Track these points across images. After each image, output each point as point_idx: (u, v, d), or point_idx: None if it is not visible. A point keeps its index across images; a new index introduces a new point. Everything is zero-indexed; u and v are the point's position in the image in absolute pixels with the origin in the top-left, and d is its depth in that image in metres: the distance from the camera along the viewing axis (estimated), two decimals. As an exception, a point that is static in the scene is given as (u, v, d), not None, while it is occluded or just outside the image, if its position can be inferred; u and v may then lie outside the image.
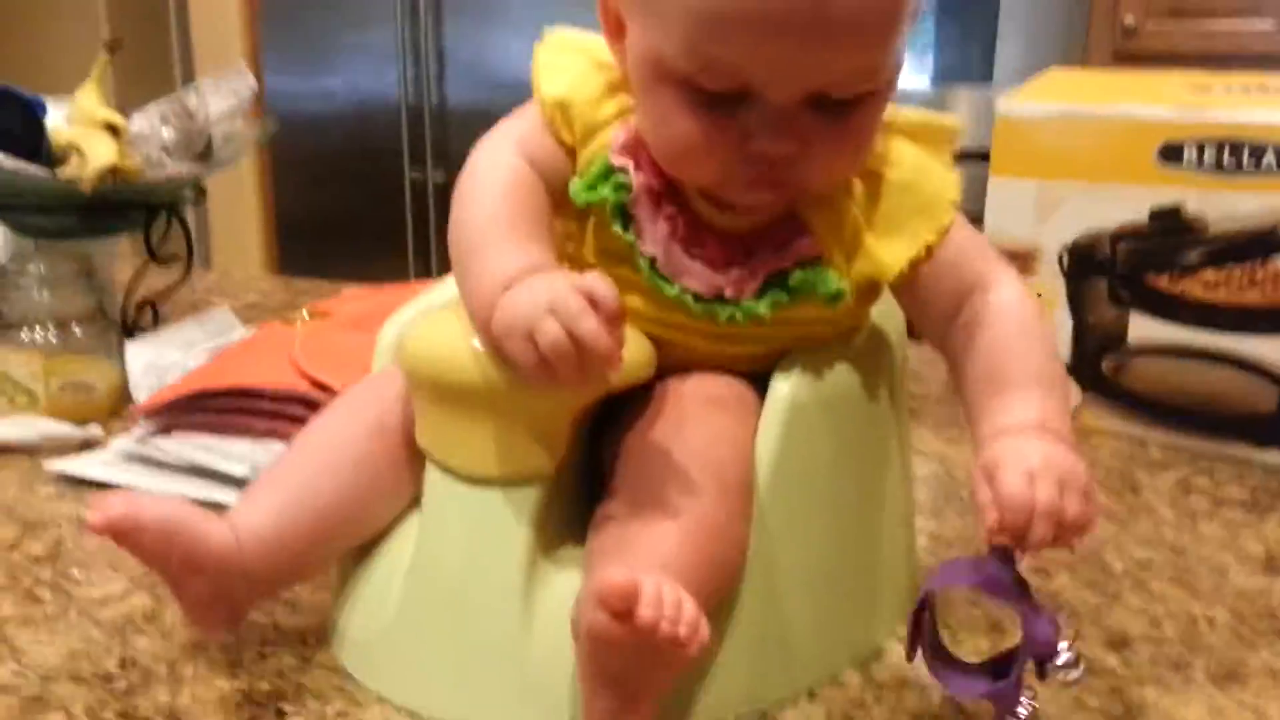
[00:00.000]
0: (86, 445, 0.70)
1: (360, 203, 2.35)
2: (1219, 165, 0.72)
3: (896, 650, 0.49)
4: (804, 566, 0.46)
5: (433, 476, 0.45)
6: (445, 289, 0.54)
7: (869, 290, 0.47)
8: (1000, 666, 0.43)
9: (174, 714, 0.42)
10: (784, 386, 0.46)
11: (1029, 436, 0.41)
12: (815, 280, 0.44)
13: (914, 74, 1.89)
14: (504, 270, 0.41)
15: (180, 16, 2.76)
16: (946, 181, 0.47)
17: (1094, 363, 0.80)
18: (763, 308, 0.44)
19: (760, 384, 0.47)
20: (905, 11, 0.40)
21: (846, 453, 0.47)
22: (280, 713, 0.43)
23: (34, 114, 0.81)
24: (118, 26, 2.94)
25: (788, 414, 0.45)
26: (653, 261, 0.44)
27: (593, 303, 0.37)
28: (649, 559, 0.38)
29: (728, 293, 0.44)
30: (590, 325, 0.37)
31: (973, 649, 0.48)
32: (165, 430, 0.68)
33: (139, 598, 0.51)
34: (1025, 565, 0.55)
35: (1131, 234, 0.77)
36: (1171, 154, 0.74)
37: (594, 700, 0.37)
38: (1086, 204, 0.78)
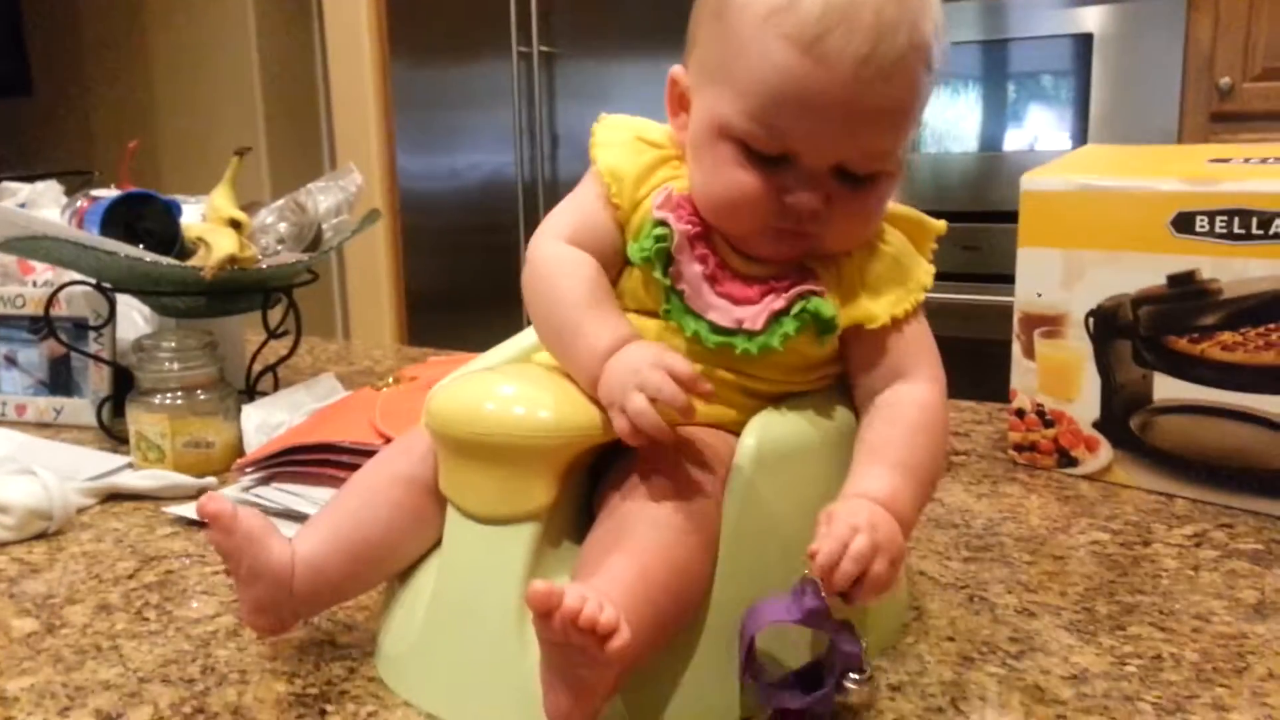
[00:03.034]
0: (202, 493, 0.81)
1: (480, 273, 2.51)
2: (1230, 233, 0.76)
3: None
4: (768, 601, 0.52)
5: (451, 516, 0.53)
6: (486, 358, 0.64)
7: (843, 342, 0.55)
8: (807, 678, 0.49)
9: (238, 711, 0.52)
10: (750, 439, 0.53)
11: (873, 504, 0.48)
12: (814, 308, 0.52)
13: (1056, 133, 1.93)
14: (599, 344, 0.51)
15: (327, 107, 3.02)
16: (923, 268, 0.57)
17: (1122, 421, 0.83)
18: (775, 340, 0.52)
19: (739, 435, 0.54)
20: (916, 110, 0.51)
21: (809, 499, 0.53)
22: (323, 712, 0.52)
23: (171, 213, 0.96)
24: (274, 119, 3.24)
25: (753, 465, 0.52)
26: (681, 295, 0.53)
27: (671, 374, 0.48)
28: (610, 584, 0.45)
29: (746, 324, 0.52)
30: (669, 392, 0.48)
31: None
32: (266, 480, 0.79)
33: (224, 619, 0.62)
34: (1010, 605, 0.60)
35: (1151, 298, 0.80)
36: (1184, 223, 0.78)
37: (549, 694, 0.44)
38: (1108, 271, 0.82)
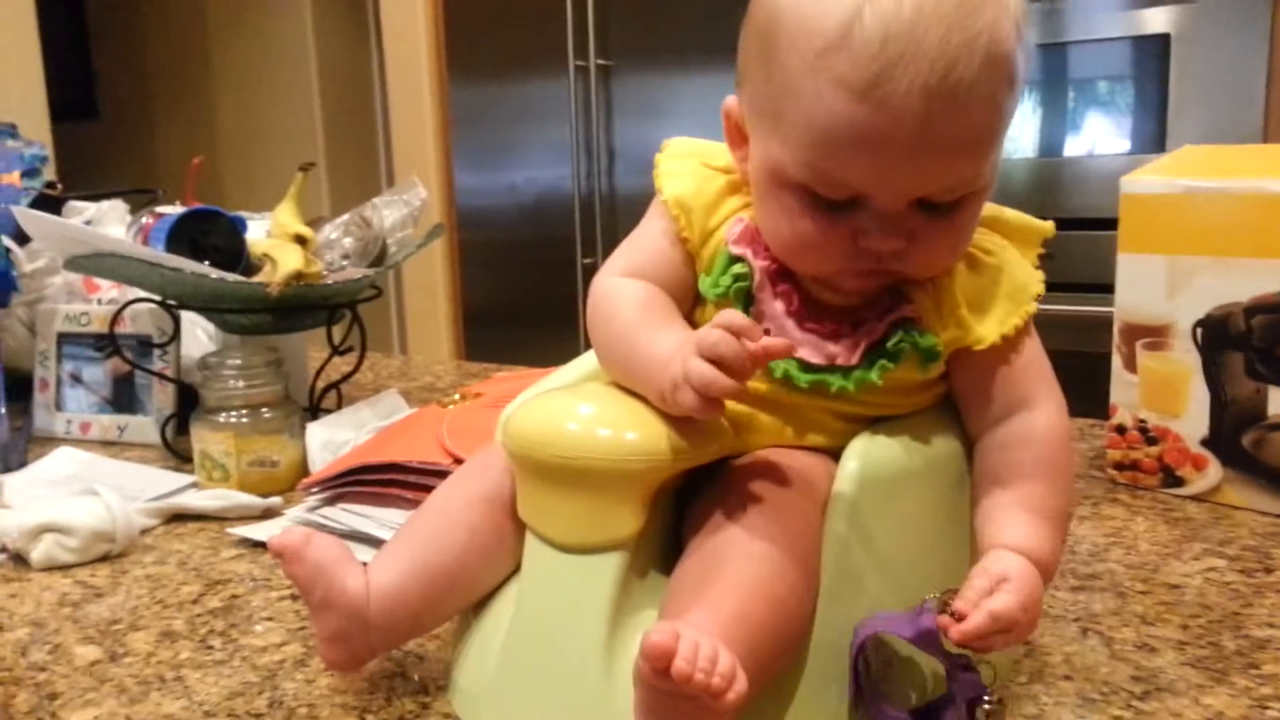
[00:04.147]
0: (267, 514, 0.80)
1: (538, 288, 2.49)
2: (1353, 235, 0.70)
3: (975, 721, 0.50)
4: (873, 635, 0.48)
5: (530, 544, 0.50)
6: (559, 375, 0.61)
7: (949, 364, 0.51)
8: (931, 712, 0.46)
9: (309, 747, 0.49)
10: (853, 464, 0.49)
11: (1028, 565, 0.45)
12: (913, 340, 0.48)
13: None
14: (661, 354, 0.47)
15: (385, 124, 3.03)
16: (1033, 276, 0.51)
17: (1234, 438, 0.77)
18: (875, 375, 0.48)
19: (837, 458, 0.50)
20: (1000, 129, 0.45)
21: (915, 526, 0.49)
22: (396, 751, 0.49)
23: (236, 230, 0.94)
24: (333, 136, 3.26)
25: (856, 489, 0.48)
26: (767, 334, 0.49)
27: (728, 328, 0.43)
28: (705, 622, 0.41)
29: (839, 360, 0.48)
30: (729, 346, 0.43)
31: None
32: (332, 501, 0.77)
33: (291, 647, 0.59)
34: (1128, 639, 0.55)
35: (1265, 307, 0.75)
36: (1302, 225, 0.72)
37: None
38: (1217, 278, 0.77)
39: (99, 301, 1.12)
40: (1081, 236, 1.61)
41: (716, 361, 0.43)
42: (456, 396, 0.86)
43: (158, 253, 0.89)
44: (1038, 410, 0.50)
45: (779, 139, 0.45)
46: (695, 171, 0.53)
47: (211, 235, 0.95)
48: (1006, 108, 0.44)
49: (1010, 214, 0.53)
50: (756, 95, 0.47)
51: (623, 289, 0.52)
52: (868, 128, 0.42)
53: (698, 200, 0.51)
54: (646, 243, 0.53)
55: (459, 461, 0.73)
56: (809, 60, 0.43)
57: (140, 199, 1.33)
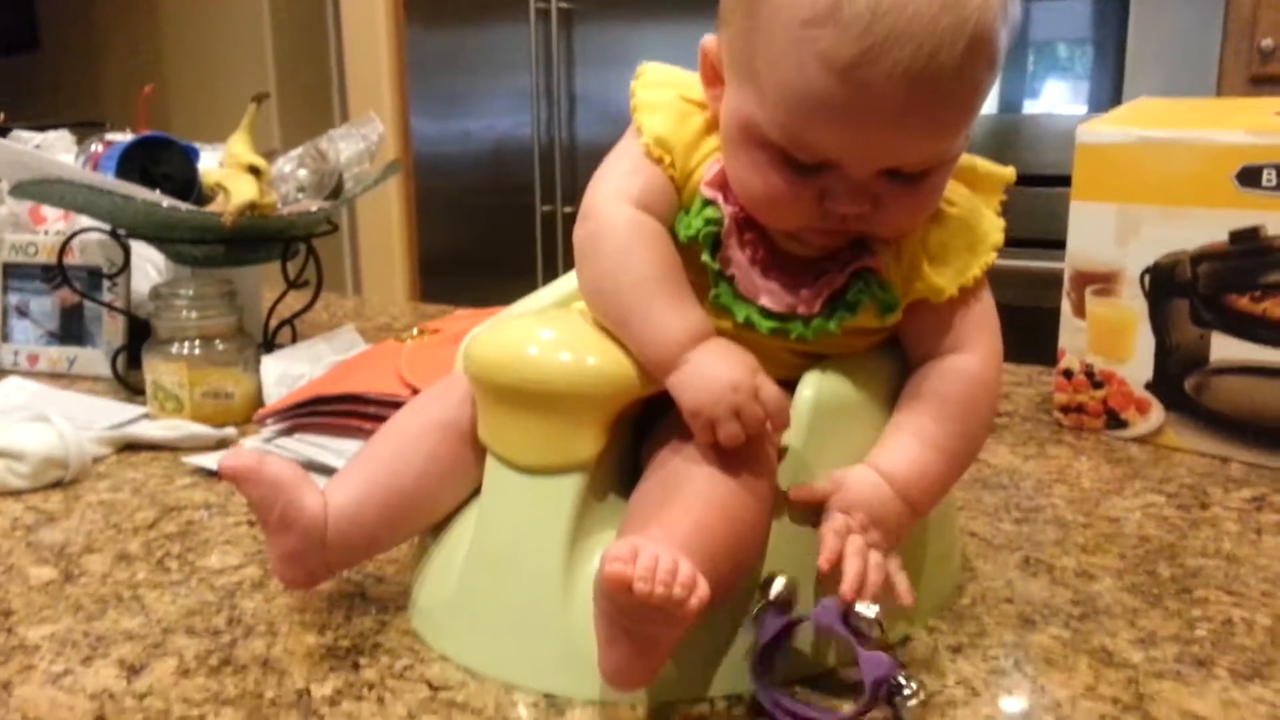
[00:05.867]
0: (222, 444, 0.80)
1: (495, 235, 2.47)
2: (1298, 186, 0.72)
3: (922, 639, 0.52)
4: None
5: (491, 466, 0.51)
6: (519, 306, 0.61)
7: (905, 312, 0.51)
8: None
9: (268, 663, 0.49)
10: (808, 392, 0.50)
11: (881, 483, 0.48)
12: (872, 292, 0.48)
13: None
14: (675, 331, 0.47)
15: (339, 68, 2.98)
16: (994, 225, 0.52)
17: (1177, 382, 0.80)
18: (833, 325, 0.48)
19: (792, 390, 0.51)
20: (977, 107, 0.45)
21: (861, 451, 0.50)
22: (355, 665, 0.49)
23: (189, 159, 0.93)
24: (284, 77, 3.19)
25: (810, 416, 0.49)
26: (731, 280, 0.49)
27: (766, 408, 0.46)
28: (664, 537, 0.42)
29: (799, 309, 0.49)
30: (761, 429, 0.46)
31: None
32: (289, 431, 0.77)
33: (249, 570, 0.59)
34: (1068, 567, 0.57)
35: (1211, 255, 0.77)
36: (1250, 177, 0.74)
37: (609, 649, 0.41)
38: (1166, 227, 0.78)
39: (45, 233, 1.09)
40: (1037, 193, 1.64)
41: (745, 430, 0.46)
42: (415, 332, 0.86)
43: (109, 179, 0.87)
44: (970, 355, 0.51)
45: (755, 95, 0.45)
46: (674, 106, 0.51)
47: (163, 164, 0.93)
48: (985, 88, 0.44)
49: (982, 163, 0.53)
50: (736, 45, 0.46)
51: (638, 229, 0.49)
52: (846, 105, 0.42)
53: (678, 138, 0.50)
54: (644, 167, 0.50)
55: (417, 394, 0.73)
56: (793, 29, 0.42)
57: (86, 131, 1.29)
